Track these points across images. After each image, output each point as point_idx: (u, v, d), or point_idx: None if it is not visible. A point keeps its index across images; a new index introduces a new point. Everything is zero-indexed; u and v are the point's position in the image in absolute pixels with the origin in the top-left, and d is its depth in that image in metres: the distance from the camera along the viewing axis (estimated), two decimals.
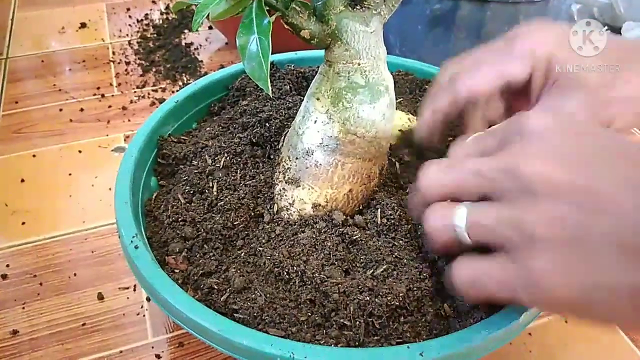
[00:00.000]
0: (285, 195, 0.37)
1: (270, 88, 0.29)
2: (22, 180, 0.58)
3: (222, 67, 0.77)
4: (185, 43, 0.82)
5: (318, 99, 0.35)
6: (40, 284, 0.47)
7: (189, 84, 0.72)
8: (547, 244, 0.23)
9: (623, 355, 0.43)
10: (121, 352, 0.42)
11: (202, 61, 0.79)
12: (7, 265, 0.49)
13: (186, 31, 0.86)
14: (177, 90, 0.71)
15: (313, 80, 0.36)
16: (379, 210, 0.35)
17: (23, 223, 0.53)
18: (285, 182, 0.37)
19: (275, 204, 0.37)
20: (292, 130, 0.37)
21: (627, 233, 0.22)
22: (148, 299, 0.46)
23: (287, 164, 0.37)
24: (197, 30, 0.51)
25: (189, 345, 0.42)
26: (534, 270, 0.24)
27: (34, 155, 0.62)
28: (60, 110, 0.69)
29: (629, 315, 0.23)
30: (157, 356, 0.42)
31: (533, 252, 0.24)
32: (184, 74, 0.75)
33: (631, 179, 0.23)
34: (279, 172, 0.38)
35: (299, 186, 0.36)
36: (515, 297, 0.25)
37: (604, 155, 0.24)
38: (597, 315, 0.24)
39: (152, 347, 0.42)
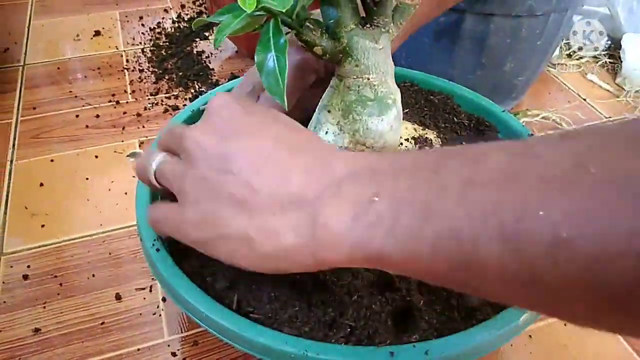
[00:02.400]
0: None
1: (286, 103, 0.31)
2: (41, 184, 0.60)
3: (233, 74, 0.79)
4: (197, 51, 0.85)
5: (329, 111, 0.37)
6: (60, 284, 0.49)
7: (201, 91, 0.75)
8: (191, 198, 0.29)
9: (620, 358, 0.44)
10: (138, 350, 0.44)
11: (213, 69, 0.81)
12: (28, 266, 0.51)
13: (197, 39, 0.88)
14: (190, 98, 0.73)
15: (324, 94, 0.38)
16: None
17: (42, 225, 0.55)
18: None
19: None
20: None
21: (241, 190, 0.27)
22: (164, 300, 0.48)
23: None
24: (217, 48, 0.54)
25: (204, 343, 0.44)
26: (182, 217, 0.30)
27: (52, 160, 0.64)
28: (77, 116, 0.71)
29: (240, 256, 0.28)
30: (173, 354, 0.44)
31: (185, 203, 0.30)
32: (195, 82, 0.77)
33: (254, 148, 0.28)
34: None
35: None
36: (175, 236, 0.31)
37: (249, 128, 0.29)
38: (220, 254, 0.29)
39: (168, 346, 0.44)
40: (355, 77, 0.36)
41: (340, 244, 0.25)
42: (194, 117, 0.48)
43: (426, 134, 0.44)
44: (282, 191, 0.27)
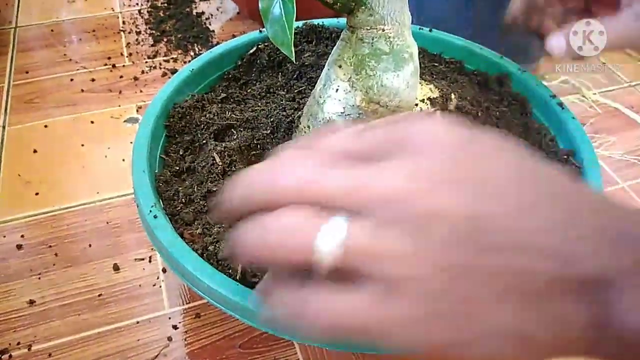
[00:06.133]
0: None
1: (293, 54, 0.28)
2: (35, 151, 0.58)
3: (234, 37, 0.75)
4: (196, 12, 0.81)
5: (340, 67, 0.34)
6: (56, 254, 0.47)
7: (200, 54, 0.71)
8: (424, 285, 0.20)
9: None
10: (138, 322, 0.42)
11: (213, 31, 0.77)
12: (22, 236, 0.49)
13: (197, 0, 0.84)
14: (189, 61, 0.70)
15: (335, 47, 0.35)
16: None
17: (37, 194, 0.53)
18: None
19: None
20: (312, 99, 0.36)
21: (509, 272, 0.19)
22: (164, 270, 0.46)
23: (306, 134, 0.36)
24: None
25: (206, 316, 0.42)
26: (405, 312, 0.20)
27: (45, 126, 0.61)
28: (72, 80, 0.68)
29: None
30: (174, 327, 0.42)
31: (406, 292, 0.20)
32: (195, 44, 0.74)
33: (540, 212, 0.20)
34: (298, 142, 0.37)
35: None
36: (373, 337, 0.20)
37: (497, 175, 0.21)
38: (474, 355, 0.21)
39: (169, 318, 0.42)
40: (368, 27, 0.33)
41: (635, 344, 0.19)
42: (194, 78, 0.45)
43: (444, 94, 0.41)
44: (569, 271, 0.19)
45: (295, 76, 0.45)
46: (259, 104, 0.42)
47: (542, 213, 0.20)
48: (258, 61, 0.47)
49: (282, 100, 0.42)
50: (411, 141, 0.21)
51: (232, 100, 0.44)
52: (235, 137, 0.40)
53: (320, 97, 0.35)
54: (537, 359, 0.21)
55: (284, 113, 0.40)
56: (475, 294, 0.20)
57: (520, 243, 0.19)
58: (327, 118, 0.35)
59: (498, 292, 0.20)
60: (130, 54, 0.73)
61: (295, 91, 0.43)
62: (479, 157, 0.22)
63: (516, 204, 0.20)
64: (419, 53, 0.48)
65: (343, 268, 0.20)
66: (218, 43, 0.74)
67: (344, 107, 0.34)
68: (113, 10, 0.82)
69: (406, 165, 0.21)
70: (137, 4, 0.84)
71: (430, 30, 0.51)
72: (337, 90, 0.34)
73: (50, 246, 0.48)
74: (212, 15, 0.81)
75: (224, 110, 0.43)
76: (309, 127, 0.36)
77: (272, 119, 0.40)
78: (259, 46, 0.48)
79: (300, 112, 0.39)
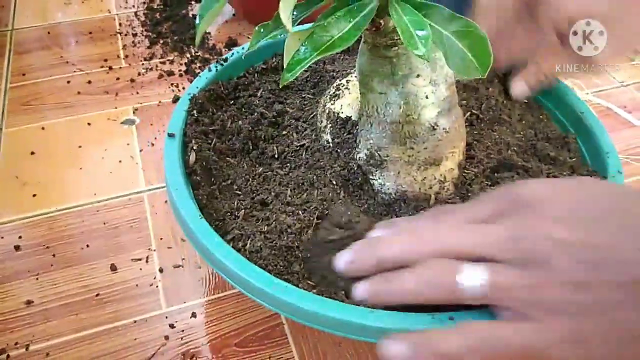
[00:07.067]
0: (425, 179, 0.36)
1: None
2: (32, 153, 0.58)
3: (230, 39, 0.76)
4: (192, 14, 0.81)
5: (418, 76, 0.34)
6: (53, 255, 0.47)
7: (197, 56, 0.72)
8: (569, 309, 0.24)
9: None
10: (135, 322, 0.42)
11: (209, 33, 0.77)
12: (20, 237, 0.49)
13: (193, 2, 0.84)
14: (185, 63, 0.71)
15: (395, 65, 0.34)
16: None
17: (34, 195, 0.53)
18: (423, 169, 0.36)
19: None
20: (397, 126, 0.35)
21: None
22: (161, 270, 0.46)
23: (417, 153, 0.36)
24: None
25: (202, 315, 0.43)
26: (567, 336, 0.24)
27: (43, 128, 0.61)
28: (68, 82, 0.68)
29: None
30: (171, 326, 0.42)
31: (557, 317, 0.24)
32: (191, 46, 0.74)
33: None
34: (411, 169, 0.36)
35: (441, 162, 0.36)
36: None
37: (611, 214, 0.26)
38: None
39: (166, 317, 0.43)
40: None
41: None
42: (196, 107, 0.44)
43: None
44: None
45: None
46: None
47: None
48: None
49: None
50: (522, 199, 0.27)
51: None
52: None
53: (413, 115, 0.35)
54: None
55: None
56: (607, 304, 0.23)
57: (629, 257, 0.24)
58: (430, 125, 0.35)
59: (632, 300, 0.23)
60: (127, 56, 0.73)
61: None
62: (575, 199, 0.27)
63: (616, 227, 0.25)
64: None
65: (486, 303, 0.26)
66: (214, 45, 0.74)
67: (439, 106, 0.35)
68: (109, 13, 0.83)
69: (521, 217, 0.26)
70: (134, 6, 0.84)
71: None
72: (427, 97, 0.35)
73: (47, 247, 0.48)
74: None
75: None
76: (413, 147, 0.36)
77: None
78: None
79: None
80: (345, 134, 0.38)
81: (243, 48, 0.50)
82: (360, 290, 0.29)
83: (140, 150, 0.58)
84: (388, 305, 0.28)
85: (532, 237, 0.25)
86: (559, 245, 0.24)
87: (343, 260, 0.30)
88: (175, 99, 0.64)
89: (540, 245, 0.25)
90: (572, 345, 0.24)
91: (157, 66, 0.71)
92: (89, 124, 0.62)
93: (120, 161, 0.57)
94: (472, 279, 0.26)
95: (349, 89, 0.41)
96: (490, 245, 0.26)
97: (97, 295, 0.44)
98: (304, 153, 0.40)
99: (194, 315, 0.43)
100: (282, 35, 0.29)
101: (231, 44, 0.75)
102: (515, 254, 0.25)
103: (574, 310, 0.24)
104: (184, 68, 0.70)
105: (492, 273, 0.25)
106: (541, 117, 0.45)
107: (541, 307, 0.24)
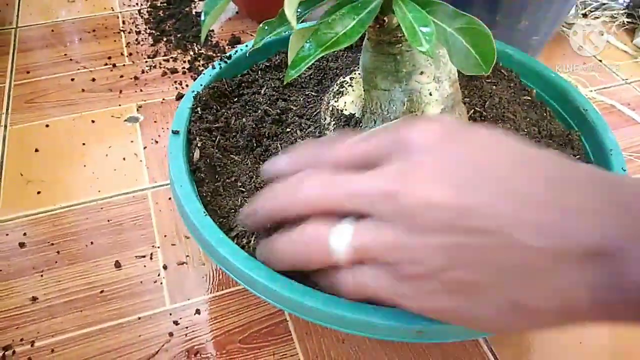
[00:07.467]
0: None
1: None
2: (36, 150, 0.58)
3: (233, 36, 0.76)
4: (196, 12, 0.81)
5: (422, 73, 0.34)
6: (58, 252, 0.48)
7: (200, 53, 0.72)
8: (428, 269, 0.23)
9: None
10: (139, 318, 0.43)
11: (212, 30, 0.78)
12: (25, 234, 0.49)
13: (196, 0, 0.84)
14: (189, 60, 0.71)
15: (399, 62, 0.34)
16: None
17: (39, 192, 0.53)
18: None
19: None
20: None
21: (508, 251, 0.22)
22: (165, 267, 0.46)
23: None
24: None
25: (206, 312, 0.43)
26: (416, 290, 0.24)
27: (47, 125, 0.62)
28: (72, 80, 0.68)
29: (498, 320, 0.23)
30: (175, 323, 0.42)
31: (414, 275, 0.23)
32: (195, 44, 0.74)
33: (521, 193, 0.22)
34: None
35: None
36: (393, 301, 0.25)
37: (485, 166, 0.23)
38: (469, 320, 0.24)
39: (170, 314, 0.43)
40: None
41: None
42: (199, 104, 0.44)
43: None
44: (568, 244, 0.21)
45: None
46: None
47: (536, 195, 0.22)
48: None
49: None
50: (408, 143, 0.25)
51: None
52: None
53: (417, 113, 0.35)
54: (546, 328, 0.23)
55: None
56: (473, 271, 0.22)
57: (509, 224, 0.21)
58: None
59: (494, 269, 0.22)
60: (130, 54, 0.73)
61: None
62: (471, 150, 0.24)
63: (508, 189, 0.22)
64: None
65: (357, 261, 0.25)
66: (217, 42, 0.74)
67: (442, 103, 0.36)
68: (113, 10, 0.83)
69: (401, 166, 0.24)
70: (137, 3, 0.84)
71: None
72: (431, 94, 0.35)
73: (52, 244, 0.48)
74: None
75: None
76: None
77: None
78: None
79: None
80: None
81: (246, 45, 0.50)
82: (257, 254, 0.31)
83: (144, 148, 0.59)
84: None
85: (403, 193, 0.23)
86: (429, 206, 0.23)
87: (244, 214, 0.31)
88: (179, 97, 0.64)
89: (410, 204, 0.23)
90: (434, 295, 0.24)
91: (160, 64, 0.71)
92: (92, 121, 0.62)
93: (124, 158, 0.57)
94: (339, 241, 0.25)
95: (352, 86, 0.41)
96: (364, 200, 0.25)
97: (101, 292, 0.45)
98: None
99: (198, 311, 0.43)
100: (287, 33, 0.29)
101: (234, 41, 0.75)
102: (387, 210, 0.24)
103: (432, 271, 0.23)
104: (187, 65, 0.70)
105: (355, 233, 0.25)
106: (545, 114, 0.45)
107: (404, 266, 0.23)
